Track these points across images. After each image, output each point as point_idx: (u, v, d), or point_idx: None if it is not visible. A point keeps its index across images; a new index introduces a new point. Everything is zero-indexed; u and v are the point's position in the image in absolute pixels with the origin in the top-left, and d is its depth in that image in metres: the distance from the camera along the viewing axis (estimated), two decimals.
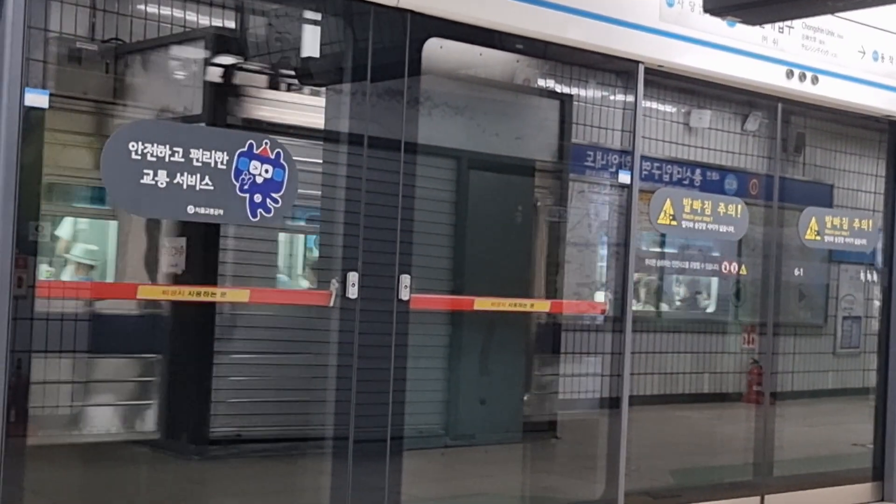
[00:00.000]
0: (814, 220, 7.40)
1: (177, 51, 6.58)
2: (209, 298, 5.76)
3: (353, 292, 5.22)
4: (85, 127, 6.16)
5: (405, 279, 5.40)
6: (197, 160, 4.61)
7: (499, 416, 7.43)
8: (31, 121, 4.32)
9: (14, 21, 4.23)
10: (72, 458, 6.24)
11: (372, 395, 5.38)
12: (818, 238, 7.43)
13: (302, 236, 8.68)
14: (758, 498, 7.15)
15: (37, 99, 4.31)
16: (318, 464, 5.64)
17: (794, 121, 8.19)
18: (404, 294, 5.40)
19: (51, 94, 4.41)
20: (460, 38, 5.77)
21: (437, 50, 5.64)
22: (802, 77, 7.05)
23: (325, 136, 5.90)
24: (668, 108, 8.17)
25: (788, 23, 6.91)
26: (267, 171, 4.81)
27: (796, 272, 7.88)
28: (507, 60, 6.95)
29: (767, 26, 6.75)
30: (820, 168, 9.03)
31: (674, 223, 6.57)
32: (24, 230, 4.34)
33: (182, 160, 4.57)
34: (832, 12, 6.77)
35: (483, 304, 6.30)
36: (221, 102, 6.69)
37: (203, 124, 6.46)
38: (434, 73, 6.11)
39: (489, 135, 7.31)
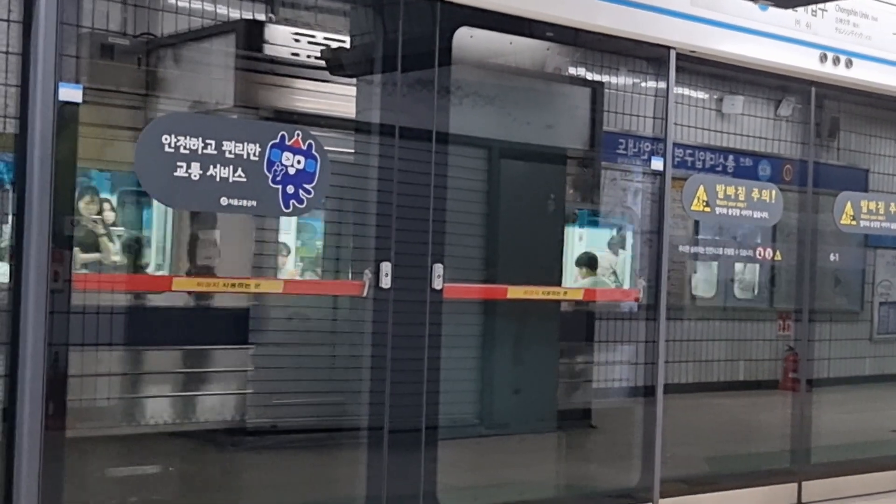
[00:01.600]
0: (849, 204, 7.33)
1: (208, 43, 6.60)
2: (243, 290, 5.79)
3: (386, 282, 5.23)
4: (118, 120, 6.20)
5: (438, 268, 5.40)
6: (229, 152, 4.63)
7: (533, 405, 7.42)
8: (65, 115, 4.35)
9: (47, 17, 4.27)
10: (109, 451, 6.29)
11: (406, 385, 5.38)
12: (854, 223, 7.37)
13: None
14: (795, 485, 7.11)
15: (70, 93, 4.34)
16: (353, 454, 5.66)
17: (828, 105, 8.12)
18: (437, 283, 5.41)
19: (84, 88, 4.43)
20: (490, 27, 5.77)
21: (467, 39, 5.63)
22: (836, 61, 6.98)
23: (357, 127, 5.91)
24: (700, 95, 8.12)
25: (821, 6, 6.84)
26: (299, 161, 4.83)
27: (832, 258, 7.82)
28: (537, 48, 6.93)
29: (800, 9, 6.69)
30: (854, 152, 8.95)
31: (707, 210, 6.53)
32: (60, 224, 4.37)
33: (215, 152, 4.58)
34: None
35: (516, 292, 6.29)
36: (253, 94, 6.71)
37: (235, 116, 6.49)
38: (464, 63, 6.10)
39: (520, 124, 7.29)
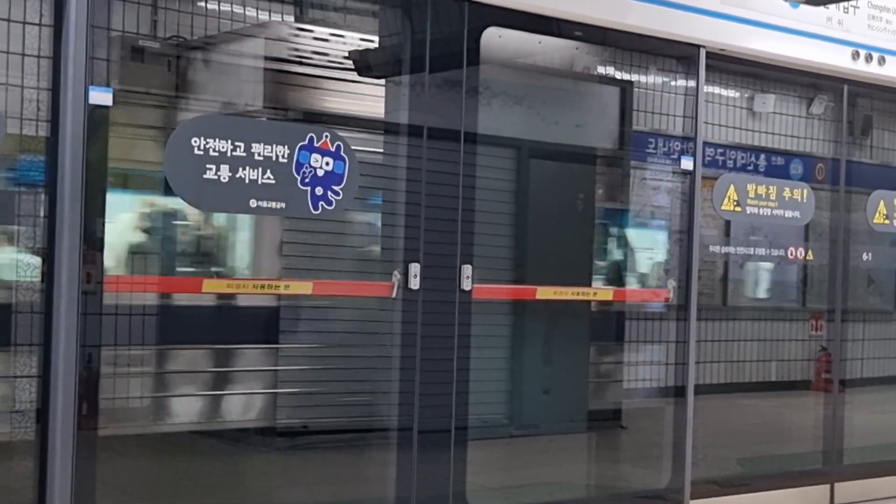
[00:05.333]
0: (882, 203, 7.27)
1: (237, 46, 6.63)
2: (273, 291, 5.81)
3: (415, 283, 5.23)
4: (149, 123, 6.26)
5: (467, 269, 5.40)
6: (258, 154, 4.65)
7: (563, 405, 7.41)
8: (96, 118, 4.38)
9: (77, 21, 4.30)
10: (142, 450, 6.34)
11: (436, 386, 5.39)
12: (887, 222, 7.30)
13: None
14: (827, 486, 7.05)
15: (101, 97, 4.38)
16: (383, 454, 5.67)
17: (861, 103, 8.04)
18: (466, 284, 5.41)
19: (115, 91, 4.46)
20: (519, 27, 5.76)
21: (495, 39, 5.62)
22: (869, 58, 6.92)
23: (385, 128, 5.92)
24: (731, 93, 8.07)
25: (853, 2, 6.78)
26: (328, 163, 4.84)
27: (865, 257, 7.75)
28: (566, 48, 6.91)
29: (832, 7, 6.64)
30: (888, 151, 8.86)
31: (738, 209, 6.49)
32: (92, 226, 4.40)
33: (244, 154, 4.60)
34: None
35: (545, 293, 6.28)
36: (282, 96, 6.74)
37: (264, 118, 6.52)
38: (493, 63, 6.09)
39: (549, 124, 7.28)
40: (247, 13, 6.44)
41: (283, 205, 4.76)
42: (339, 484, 6.18)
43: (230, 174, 4.56)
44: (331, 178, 4.85)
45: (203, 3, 6.21)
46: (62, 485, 4.30)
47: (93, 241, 4.43)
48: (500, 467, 6.61)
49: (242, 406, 7.24)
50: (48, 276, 4.32)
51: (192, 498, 5.81)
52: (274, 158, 4.68)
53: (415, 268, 5.24)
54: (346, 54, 6.59)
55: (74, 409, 4.32)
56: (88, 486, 4.45)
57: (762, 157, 8.39)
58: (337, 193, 4.88)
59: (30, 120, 4.47)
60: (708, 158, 7.26)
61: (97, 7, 4.35)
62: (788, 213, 6.73)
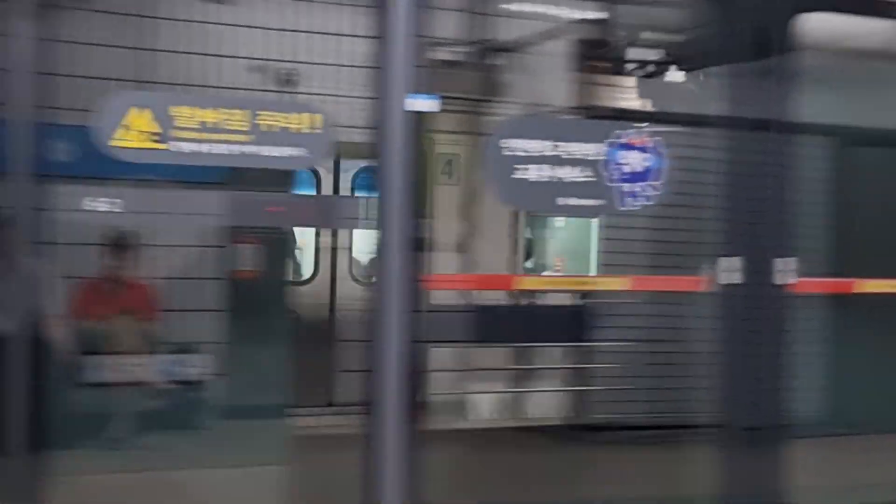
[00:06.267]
0: None
1: (546, 46, 6.70)
2: (587, 287, 5.83)
3: (729, 278, 5.13)
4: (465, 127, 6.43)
5: (783, 262, 5.24)
6: (567, 153, 4.68)
7: (889, 403, 7.05)
8: (419, 124, 4.54)
9: (400, 31, 4.47)
10: (461, 444, 6.53)
11: (754, 382, 5.26)
12: None
13: None
14: None
15: (425, 104, 4.53)
16: (697, 451, 5.58)
17: None
18: (783, 278, 5.24)
19: (439, 98, 4.62)
20: (835, 10, 5.52)
21: (811, 23, 5.42)
22: None
23: (695, 121, 5.83)
24: None
25: None
26: (638, 159, 4.81)
27: None
28: (887, 28, 6.55)
29: None
30: None
31: None
32: (416, 228, 4.58)
33: (552, 153, 4.65)
34: None
35: (864, 286, 5.99)
36: (592, 94, 6.76)
37: (574, 117, 6.56)
38: (807, 48, 5.88)
39: (870, 109, 6.93)
40: (554, 13, 6.50)
41: (590, 202, 4.77)
42: (653, 480, 6.15)
43: (538, 173, 4.62)
44: (641, 175, 4.81)
45: (513, 7, 6.31)
46: (394, 478, 4.47)
47: (417, 242, 4.60)
48: (821, 467, 6.37)
49: (554, 402, 7.33)
50: (379, 276, 4.52)
51: (512, 490, 5.94)
52: (583, 156, 4.71)
53: (729, 262, 5.13)
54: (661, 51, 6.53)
55: (403, 403, 4.49)
56: (419, 480, 4.61)
57: None
58: (647, 189, 4.84)
59: (358, 128, 4.70)
60: None
61: (419, 16, 4.51)
62: None
